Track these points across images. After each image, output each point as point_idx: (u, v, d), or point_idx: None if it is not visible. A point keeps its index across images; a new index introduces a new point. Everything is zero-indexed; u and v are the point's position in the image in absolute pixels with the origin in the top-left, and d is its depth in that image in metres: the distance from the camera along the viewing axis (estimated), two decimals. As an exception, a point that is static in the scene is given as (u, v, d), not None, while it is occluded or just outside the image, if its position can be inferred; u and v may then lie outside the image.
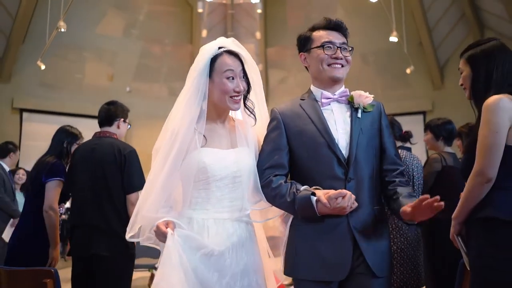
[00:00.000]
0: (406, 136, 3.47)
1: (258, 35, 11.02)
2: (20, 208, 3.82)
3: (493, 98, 1.68)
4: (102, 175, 2.58)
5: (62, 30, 8.22)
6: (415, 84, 11.21)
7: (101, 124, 2.81)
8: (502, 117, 1.63)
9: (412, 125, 10.76)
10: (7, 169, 4.60)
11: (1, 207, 4.13)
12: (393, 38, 8.71)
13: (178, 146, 1.62)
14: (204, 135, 1.66)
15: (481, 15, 10.56)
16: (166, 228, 1.53)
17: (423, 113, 11.27)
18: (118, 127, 2.81)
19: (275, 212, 1.77)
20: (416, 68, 10.70)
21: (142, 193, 1.71)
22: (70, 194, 2.90)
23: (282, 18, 12.02)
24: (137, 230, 1.67)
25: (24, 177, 5.14)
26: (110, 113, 2.80)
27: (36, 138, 10.46)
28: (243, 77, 1.72)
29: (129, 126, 2.92)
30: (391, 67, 11.01)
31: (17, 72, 10.52)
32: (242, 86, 1.70)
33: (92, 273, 2.48)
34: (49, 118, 10.78)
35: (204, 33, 10.77)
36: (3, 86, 10.37)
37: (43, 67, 9.10)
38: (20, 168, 5.51)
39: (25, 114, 10.63)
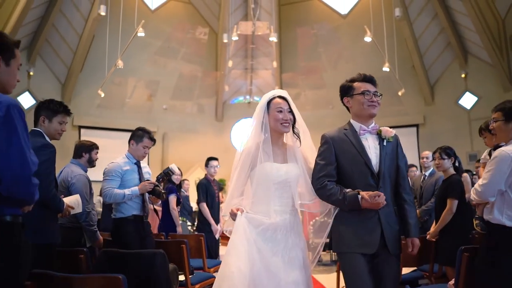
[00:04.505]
0: None
1: (274, 64, 12.95)
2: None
3: None
4: None
5: (120, 67, 10.36)
6: (409, 100, 12.81)
7: None
8: None
9: (407, 136, 12.65)
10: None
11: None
12: (385, 69, 10.54)
13: (246, 161, 2.31)
14: (267, 153, 2.29)
15: (464, 43, 12.27)
16: (237, 211, 2.20)
17: (416, 126, 13.13)
18: (205, 169, 5.25)
19: (317, 208, 2.37)
20: (409, 86, 12.36)
21: (229, 191, 2.40)
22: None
23: (293, 49, 13.92)
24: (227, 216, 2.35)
25: None
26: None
27: (92, 150, 12.63)
28: (290, 112, 2.35)
29: (218, 166, 5.12)
30: (387, 89, 12.62)
31: (76, 96, 12.65)
32: (288, 117, 2.33)
33: None
34: (102, 133, 12.90)
35: (230, 63, 12.74)
36: (65, 107, 12.54)
37: (102, 95, 11.20)
38: None
39: (82, 130, 12.77)
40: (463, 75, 12.30)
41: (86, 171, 3.64)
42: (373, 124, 2.32)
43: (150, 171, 3.51)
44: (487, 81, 11.78)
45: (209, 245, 4.70)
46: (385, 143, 2.25)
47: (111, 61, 11.10)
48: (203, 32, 13.91)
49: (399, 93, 11.63)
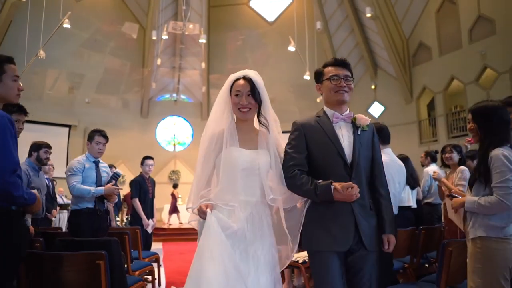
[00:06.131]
0: None
1: (203, 64, 13.26)
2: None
3: None
4: None
5: (41, 57, 9.95)
6: (326, 107, 13.98)
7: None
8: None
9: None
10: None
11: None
12: (306, 77, 11.43)
13: (209, 147, 2.08)
14: (233, 138, 2.07)
15: (375, 58, 13.71)
16: (206, 208, 1.96)
17: (332, 130, 14.33)
18: (141, 167, 5.34)
19: (289, 204, 2.14)
20: (327, 94, 13.48)
21: (194, 182, 2.11)
22: None
23: (222, 52, 14.34)
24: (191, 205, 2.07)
25: None
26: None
27: (5, 143, 11.84)
28: (250, 96, 2.08)
29: (152, 165, 5.32)
30: (307, 95, 13.67)
31: (-12, 84, 11.80)
32: (247, 101, 2.08)
33: None
34: (17, 125, 12.21)
35: (159, 61, 12.79)
36: (-26, 95, 11.63)
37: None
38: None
39: (-6, 121, 11.92)
40: (373, 86, 13.70)
41: (37, 170, 3.77)
42: (347, 111, 2.15)
43: (109, 170, 3.73)
44: (392, 93, 13.25)
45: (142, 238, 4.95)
46: (359, 132, 2.11)
47: (31, 50, 10.58)
48: (131, 27, 13.75)
49: (318, 100, 12.59)
